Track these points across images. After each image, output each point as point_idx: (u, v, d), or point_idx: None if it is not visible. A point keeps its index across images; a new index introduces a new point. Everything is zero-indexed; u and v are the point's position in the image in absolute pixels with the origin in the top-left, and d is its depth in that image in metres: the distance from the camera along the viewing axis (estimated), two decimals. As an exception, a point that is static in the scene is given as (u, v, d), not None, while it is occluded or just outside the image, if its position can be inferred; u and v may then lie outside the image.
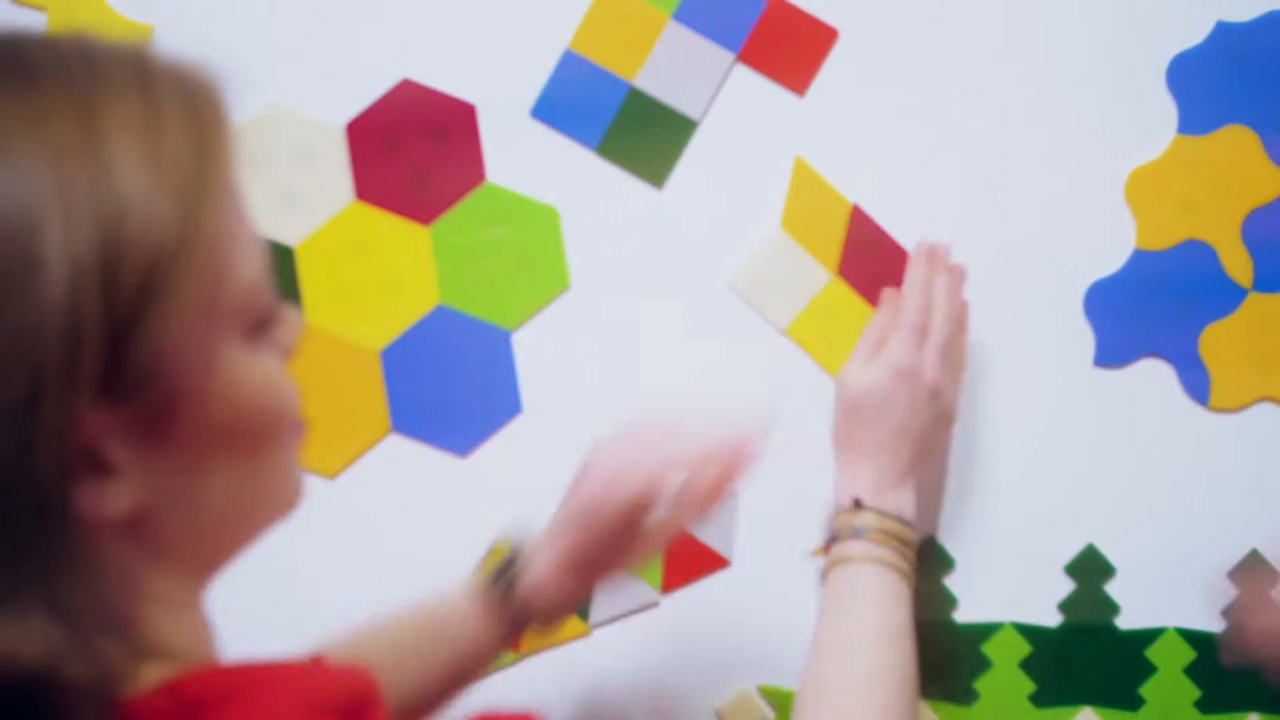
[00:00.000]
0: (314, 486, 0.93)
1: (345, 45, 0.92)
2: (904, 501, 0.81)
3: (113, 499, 0.49)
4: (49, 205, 0.45)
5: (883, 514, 0.80)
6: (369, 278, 0.93)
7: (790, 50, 0.92)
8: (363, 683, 0.54)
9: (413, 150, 0.93)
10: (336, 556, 0.93)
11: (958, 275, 0.88)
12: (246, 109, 0.91)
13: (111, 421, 0.48)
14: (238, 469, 0.53)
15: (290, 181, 0.93)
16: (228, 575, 0.90)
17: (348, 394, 0.93)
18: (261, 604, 0.90)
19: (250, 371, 0.53)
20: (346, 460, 0.94)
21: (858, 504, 0.80)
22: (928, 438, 0.83)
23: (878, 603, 0.76)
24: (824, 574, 0.80)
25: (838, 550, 0.80)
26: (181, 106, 0.50)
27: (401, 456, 0.94)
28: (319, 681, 0.53)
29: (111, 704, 0.48)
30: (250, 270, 0.53)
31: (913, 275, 0.87)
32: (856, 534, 0.79)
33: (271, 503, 0.58)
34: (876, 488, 0.81)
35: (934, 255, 0.88)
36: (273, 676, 0.52)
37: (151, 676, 0.50)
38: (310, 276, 0.93)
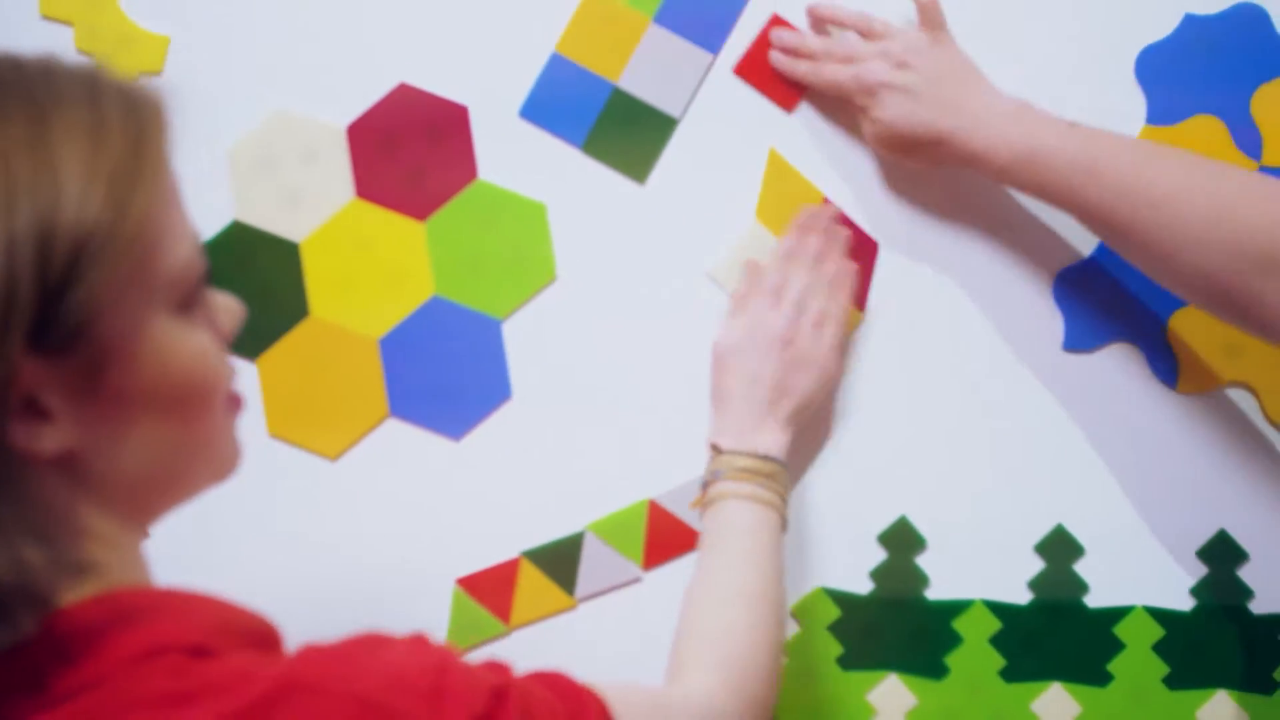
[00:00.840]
0: (317, 467, 0.99)
1: (346, 53, 0.98)
2: (763, 440, 0.88)
3: (47, 439, 0.55)
4: None
5: (739, 454, 0.87)
6: (369, 271, 0.99)
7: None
8: (270, 627, 0.61)
9: (409, 150, 0.98)
10: (336, 533, 0.99)
11: (836, 237, 0.94)
12: (256, 115, 0.98)
13: (48, 373, 0.54)
14: (166, 428, 0.59)
15: (296, 181, 0.99)
16: (231, 544, 0.97)
17: (349, 380, 0.99)
18: (265, 574, 0.96)
19: (180, 341, 0.59)
20: (348, 443, 0.99)
21: (716, 449, 0.89)
22: (782, 382, 0.89)
23: (742, 532, 0.84)
24: (701, 518, 0.87)
25: (708, 494, 0.87)
26: (123, 117, 0.57)
27: (399, 440, 0.99)
28: (238, 612, 0.60)
29: (45, 609, 0.55)
30: (179, 254, 0.59)
31: (783, 241, 0.94)
32: (716, 476, 0.87)
33: (203, 465, 0.64)
34: (737, 431, 0.88)
35: (811, 220, 0.94)
36: (199, 600, 0.59)
37: (87, 591, 0.56)
38: (314, 270, 0.99)
